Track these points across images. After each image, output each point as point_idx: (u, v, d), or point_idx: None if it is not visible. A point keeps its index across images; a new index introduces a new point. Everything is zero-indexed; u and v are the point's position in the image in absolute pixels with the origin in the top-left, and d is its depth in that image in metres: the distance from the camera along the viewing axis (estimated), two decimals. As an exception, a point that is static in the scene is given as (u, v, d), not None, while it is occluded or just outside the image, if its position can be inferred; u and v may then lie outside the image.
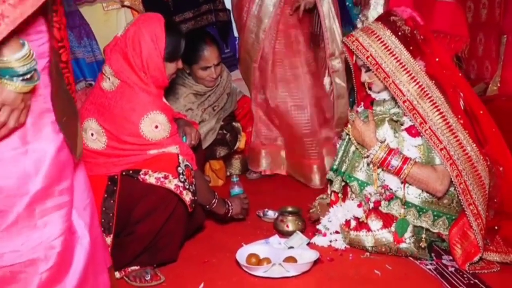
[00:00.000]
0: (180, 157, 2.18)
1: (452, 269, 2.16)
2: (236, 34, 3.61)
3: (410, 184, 2.19)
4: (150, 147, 2.16)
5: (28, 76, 1.19)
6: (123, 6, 3.00)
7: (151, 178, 2.11)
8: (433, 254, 2.27)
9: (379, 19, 2.34)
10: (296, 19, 3.09)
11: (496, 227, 2.22)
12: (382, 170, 2.21)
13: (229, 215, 2.54)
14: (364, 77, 2.32)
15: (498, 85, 3.67)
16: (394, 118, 2.26)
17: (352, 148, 2.32)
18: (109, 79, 2.18)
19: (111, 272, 1.62)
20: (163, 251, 2.23)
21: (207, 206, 2.44)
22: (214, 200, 2.44)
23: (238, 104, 3.35)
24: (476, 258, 2.12)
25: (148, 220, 2.14)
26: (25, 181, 1.28)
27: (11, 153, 1.26)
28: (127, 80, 2.15)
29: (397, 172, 2.16)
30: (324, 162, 3.19)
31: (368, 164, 2.26)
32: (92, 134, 2.16)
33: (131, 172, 2.14)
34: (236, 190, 2.70)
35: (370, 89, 2.36)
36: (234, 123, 3.23)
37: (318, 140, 3.20)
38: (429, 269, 2.18)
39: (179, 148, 2.21)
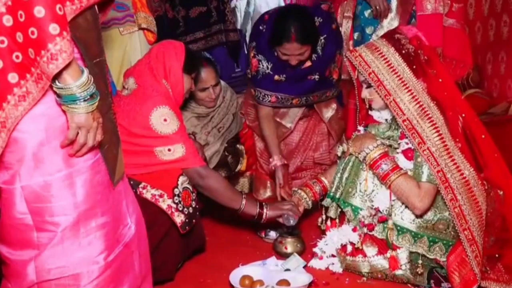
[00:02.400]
0: (181, 178, 2.23)
1: (450, 297, 2.10)
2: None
3: (395, 196, 2.16)
4: (158, 141, 2.22)
5: (89, 97, 1.32)
6: (140, 28, 3.06)
7: (148, 193, 2.19)
8: (432, 281, 2.20)
9: (384, 36, 2.33)
10: None
11: (497, 255, 2.13)
12: (372, 172, 2.20)
13: (263, 218, 2.42)
14: (365, 93, 2.30)
15: (521, 104, 3.57)
16: (387, 142, 2.23)
17: (346, 174, 2.30)
18: (127, 89, 2.35)
19: None
20: (159, 271, 2.25)
21: (237, 209, 2.37)
22: (242, 200, 2.36)
23: (244, 124, 3.35)
24: (474, 287, 2.04)
25: None
26: (71, 202, 1.39)
27: (56, 176, 1.37)
28: (145, 84, 2.32)
29: (383, 177, 2.15)
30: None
31: (361, 190, 2.25)
32: None
33: (132, 182, 2.16)
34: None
35: (370, 106, 2.34)
36: (237, 146, 3.22)
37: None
38: (426, 297, 2.12)
39: (185, 146, 2.26)
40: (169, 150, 2.25)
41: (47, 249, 1.41)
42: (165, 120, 2.23)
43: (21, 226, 1.41)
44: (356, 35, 3.11)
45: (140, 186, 2.20)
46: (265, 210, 2.41)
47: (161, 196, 2.18)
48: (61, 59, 1.24)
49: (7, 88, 1.26)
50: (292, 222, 2.44)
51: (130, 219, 1.59)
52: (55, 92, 1.32)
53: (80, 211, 1.42)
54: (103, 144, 1.46)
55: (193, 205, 2.27)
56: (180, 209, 2.18)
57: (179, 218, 2.17)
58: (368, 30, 3.11)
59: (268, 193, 3.25)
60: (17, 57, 1.26)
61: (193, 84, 2.55)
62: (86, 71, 1.32)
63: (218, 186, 2.34)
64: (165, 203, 2.17)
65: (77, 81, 1.29)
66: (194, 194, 2.29)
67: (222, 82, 3.18)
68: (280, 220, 2.45)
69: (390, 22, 2.99)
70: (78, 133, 1.35)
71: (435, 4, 2.92)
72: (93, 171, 1.44)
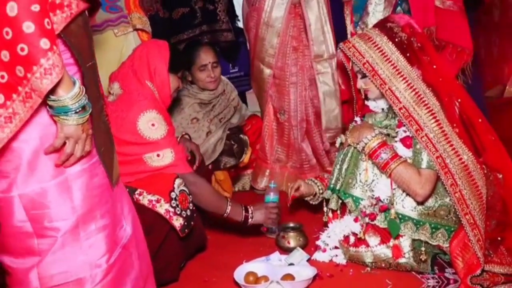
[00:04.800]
0: (177, 181, 2.22)
1: (454, 282, 2.10)
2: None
3: (396, 184, 2.16)
4: (147, 147, 2.20)
5: (80, 109, 1.33)
6: (135, 29, 3.05)
7: (145, 199, 2.17)
8: (436, 268, 2.21)
9: (376, 25, 2.33)
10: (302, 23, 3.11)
11: (499, 238, 2.14)
12: (371, 161, 2.20)
13: (248, 223, 2.43)
14: (360, 83, 2.30)
15: (516, 86, 3.56)
16: (385, 131, 2.23)
17: (345, 166, 2.30)
18: (113, 94, 2.29)
19: None
20: (162, 273, 2.24)
21: (221, 214, 2.39)
22: (227, 206, 2.38)
23: (247, 121, 3.37)
24: (478, 271, 2.04)
25: None
26: (68, 207, 1.39)
27: (52, 182, 1.37)
28: (130, 88, 2.27)
29: (383, 166, 2.15)
30: (317, 174, 3.17)
31: (361, 181, 2.25)
32: None
33: (127, 189, 2.14)
34: (271, 196, 2.53)
35: (366, 96, 2.34)
36: (242, 136, 3.25)
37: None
38: (430, 283, 2.12)
39: (174, 151, 2.24)
40: (158, 155, 2.23)
41: (48, 255, 1.41)
42: (153, 125, 2.20)
43: (21, 234, 1.41)
44: (356, 16, 3.09)
45: (136, 192, 2.17)
46: (250, 215, 2.43)
47: (157, 201, 2.16)
48: (55, 73, 1.23)
49: None
50: (274, 231, 2.53)
51: (125, 220, 1.60)
52: (47, 104, 1.32)
53: (79, 214, 1.42)
54: (99, 147, 1.46)
55: (191, 207, 2.25)
56: (178, 212, 2.17)
57: (177, 222, 2.16)
58: (355, 18, 3.10)
59: (265, 182, 3.27)
60: (2, 77, 1.23)
61: (181, 83, 2.51)
62: (78, 82, 1.32)
63: (204, 192, 2.34)
64: (162, 208, 2.15)
65: (70, 93, 1.30)
66: (190, 196, 2.27)
67: (222, 77, 3.21)
68: (263, 226, 2.52)
69: (375, 7, 2.97)
70: (65, 143, 1.35)
71: None
72: (90, 174, 1.44)
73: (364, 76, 2.25)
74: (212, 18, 3.44)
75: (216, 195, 2.45)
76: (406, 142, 2.18)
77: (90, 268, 1.45)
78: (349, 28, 3.07)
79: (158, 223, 2.15)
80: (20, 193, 1.37)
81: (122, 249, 1.54)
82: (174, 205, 2.17)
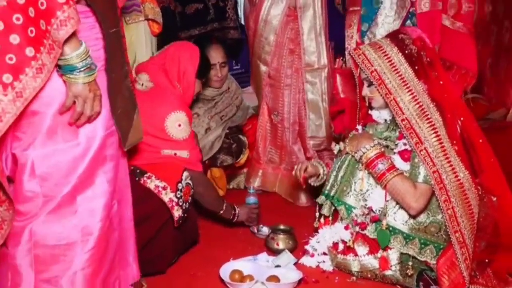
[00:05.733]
0: (185, 174, 2.29)
1: (439, 300, 2.11)
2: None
3: (390, 196, 2.16)
4: (167, 144, 2.30)
5: (86, 68, 1.42)
6: (146, 19, 3.06)
7: (152, 183, 2.23)
8: (421, 284, 2.20)
9: (388, 35, 2.34)
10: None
11: (487, 260, 2.14)
12: (368, 172, 2.21)
13: (234, 220, 2.66)
14: (366, 91, 2.31)
15: (519, 110, 3.57)
16: (384, 143, 2.24)
17: (341, 173, 2.31)
18: (142, 84, 2.38)
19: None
20: (153, 263, 2.26)
21: (217, 212, 2.58)
22: (223, 206, 2.57)
23: (248, 120, 3.37)
24: (463, 291, 2.05)
25: (140, 228, 2.15)
26: (73, 171, 1.48)
27: (65, 145, 1.47)
28: (161, 84, 2.38)
29: (379, 177, 2.16)
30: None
31: (355, 190, 2.25)
32: None
33: (138, 171, 2.24)
34: (251, 200, 2.79)
35: (370, 105, 2.34)
36: (241, 136, 3.26)
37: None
38: (415, 299, 2.13)
39: (190, 153, 2.35)
40: (175, 154, 2.33)
41: (44, 214, 1.48)
42: (179, 125, 2.31)
43: (29, 193, 1.49)
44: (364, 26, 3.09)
45: (146, 175, 2.25)
46: (236, 213, 2.66)
47: (164, 188, 2.23)
48: (70, 25, 1.34)
49: (25, 61, 1.34)
50: (264, 232, 2.68)
51: (116, 195, 1.65)
52: (56, 64, 1.41)
53: (81, 178, 1.50)
54: (116, 109, 1.54)
55: (189, 201, 2.34)
56: (180, 203, 2.25)
57: (177, 212, 2.24)
58: (363, 27, 3.10)
59: (258, 182, 3.28)
60: (31, 31, 1.34)
61: (202, 88, 2.64)
62: (84, 44, 1.41)
63: (209, 192, 2.52)
64: (167, 196, 2.22)
65: (76, 52, 1.39)
66: (193, 190, 2.36)
67: (229, 75, 3.21)
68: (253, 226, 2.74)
69: (385, 19, 2.97)
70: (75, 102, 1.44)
71: (433, 1, 2.90)
72: (102, 143, 1.52)
73: (370, 84, 2.26)
74: (222, 15, 3.44)
75: (218, 195, 2.65)
76: (404, 155, 2.18)
77: (82, 234, 1.51)
78: (355, 37, 3.07)
79: (158, 210, 2.22)
80: (36, 153, 1.46)
81: (110, 222, 1.60)
82: (178, 196, 2.24)
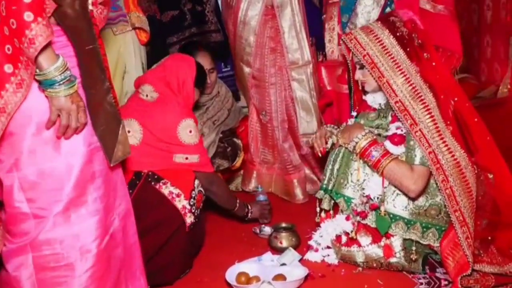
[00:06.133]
0: (196, 182, 2.38)
1: (445, 282, 2.11)
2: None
3: (388, 181, 2.17)
4: (179, 149, 2.38)
5: (66, 81, 1.43)
6: (133, 28, 3.06)
7: (166, 189, 2.29)
8: (427, 267, 2.21)
9: (379, 19, 2.36)
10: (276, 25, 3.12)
11: (489, 238, 2.15)
12: (363, 160, 2.21)
13: (247, 217, 2.76)
14: (358, 74, 2.32)
15: (508, 87, 3.56)
16: (375, 131, 2.24)
17: (337, 166, 2.31)
18: (147, 95, 2.46)
19: None
20: (162, 272, 2.27)
21: (231, 210, 2.70)
22: (236, 204, 2.68)
23: (241, 122, 3.37)
24: (468, 271, 2.05)
25: (151, 234, 2.22)
26: (60, 190, 1.49)
27: (48, 165, 1.47)
28: (166, 94, 2.45)
29: (375, 164, 2.16)
30: (302, 174, 3.20)
31: (352, 181, 2.26)
32: (128, 131, 2.32)
33: (156, 176, 2.31)
34: (261, 197, 2.90)
35: (363, 89, 2.35)
36: (235, 139, 3.25)
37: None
38: (422, 283, 2.13)
39: (200, 158, 2.43)
40: (186, 158, 2.40)
41: (40, 235, 1.49)
42: (190, 131, 2.39)
43: (20, 214, 1.50)
44: (345, 17, 3.09)
45: (162, 181, 2.31)
46: (250, 210, 2.77)
47: (178, 195, 2.30)
48: (38, 42, 1.35)
49: (4, 78, 1.37)
50: (267, 232, 2.71)
51: (115, 211, 1.65)
52: (37, 81, 1.43)
53: (71, 197, 1.50)
54: (99, 126, 1.54)
55: (200, 208, 2.40)
56: (193, 211, 2.31)
57: (189, 219, 2.30)
58: (344, 19, 3.10)
59: (253, 184, 3.28)
60: (8, 49, 1.37)
61: (200, 96, 2.70)
62: (61, 57, 1.43)
63: (223, 190, 2.62)
64: (180, 203, 2.28)
65: (53, 66, 1.40)
66: (205, 197, 2.44)
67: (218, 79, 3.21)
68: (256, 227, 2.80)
69: (364, 8, 2.97)
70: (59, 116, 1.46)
71: None
72: (87, 159, 1.52)
73: (362, 67, 2.27)
74: (201, 19, 3.41)
75: (230, 193, 2.76)
76: (394, 139, 2.19)
77: (80, 252, 1.52)
78: (336, 29, 3.07)
79: (170, 217, 2.26)
80: (20, 174, 1.47)
81: (110, 238, 1.60)
82: (191, 203, 2.31)
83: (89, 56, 1.51)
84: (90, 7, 1.52)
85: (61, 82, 1.42)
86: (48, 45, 1.39)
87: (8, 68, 1.37)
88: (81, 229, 1.52)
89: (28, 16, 1.35)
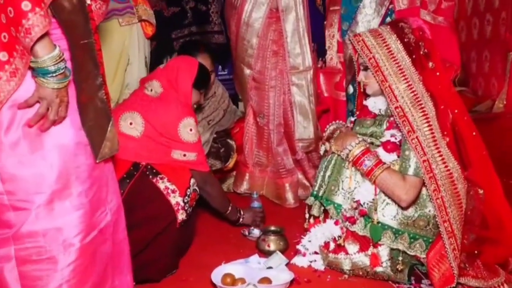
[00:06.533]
0: (192, 180, 2.41)
1: (430, 293, 2.12)
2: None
3: (381, 190, 2.17)
4: (178, 145, 2.42)
5: (59, 74, 1.41)
6: (140, 20, 3.07)
7: (162, 184, 2.31)
8: (412, 278, 2.22)
9: (389, 23, 2.36)
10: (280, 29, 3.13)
11: (476, 252, 2.15)
12: (355, 168, 2.21)
13: (238, 222, 2.77)
14: (361, 76, 2.33)
15: (504, 102, 3.57)
16: (368, 140, 2.25)
17: (328, 173, 2.31)
18: (151, 89, 2.51)
19: None
20: (148, 267, 2.26)
21: (223, 213, 2.71)
22: (229, 207, 2.70)
23: (236, 123, 3.37)
24: (453, 283, 2.06)
25: (142, 227, 2.23)
26: (42, 182, 1.46)
27: (30, 157, 1.44)
28: (169, 91, 2.50)
29: (367, 173, 2.16)
30: (295, 178, 3.20)
31: (343, 188, 2.26)
32: (130, 123, 2.39)
33: (154, 170, 2.33)
34: (256, 204, 2.91)
35: (365, 91, 2.36)
36: (229, 140, 3.26)
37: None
38: (406, 293, 2.14)
39: (198, 156, 2.47)
40: (184, 155, 2.43)
41: (23, 227, 1.46)
42: (190, 130, 2.44)
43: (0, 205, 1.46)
44: (345, 25, 3.10)
45: (159, 176, 2.33)
46: (241, 216, 2.78)
47: (173, 191, 2.32)
48: (34, 32, 1.35)
49: None
50: (255, 234, 2.72)
51: (108, 205, 1.63)
52: (30, 67, 1.41)
53: (54, 190, 1.47)
54: (87, 121, 1.52)
55: (193, 205, 2.42)
56: (186, 208, 2.33)
57: (181, 216, 2.32)
58: (344, 26, 3.11)
59: (245, 186, 3.28)
60: (4, 37, 1.35)
61: (202, 98, 2.71)
62: (58, 48, 1.42)
63: (216, 192, 2.63)
64: (175, 199, 2.30)
65: (49, 55, 1.39)
66: (198, 196, 2.46)
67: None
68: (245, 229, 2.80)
69: (364, 17, 2.98)
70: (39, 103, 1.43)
71: None
72: (72, 151, 1.50)
73: (366, 68, 2.28)
74: (204, 19, 3.42)
75: (224, 196, 2.74)
76: (387, 146, 2.20)
77: (63, 246, 1.49)
78: (336, 36, 3.09)
79: (163, 212, 2.28)
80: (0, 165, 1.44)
81: (98, 233, 1.58)
82: (185, 201, 2.33)
83: (83, 51, 1.50)
84: (88, 1, 1.51)
85: (54, 74, 1.41)
86: (46, 34, 1.39)
87: (3, 56, 1.35)
88: (65, 222, 1.49)
89: (25, 5, 1.34)
